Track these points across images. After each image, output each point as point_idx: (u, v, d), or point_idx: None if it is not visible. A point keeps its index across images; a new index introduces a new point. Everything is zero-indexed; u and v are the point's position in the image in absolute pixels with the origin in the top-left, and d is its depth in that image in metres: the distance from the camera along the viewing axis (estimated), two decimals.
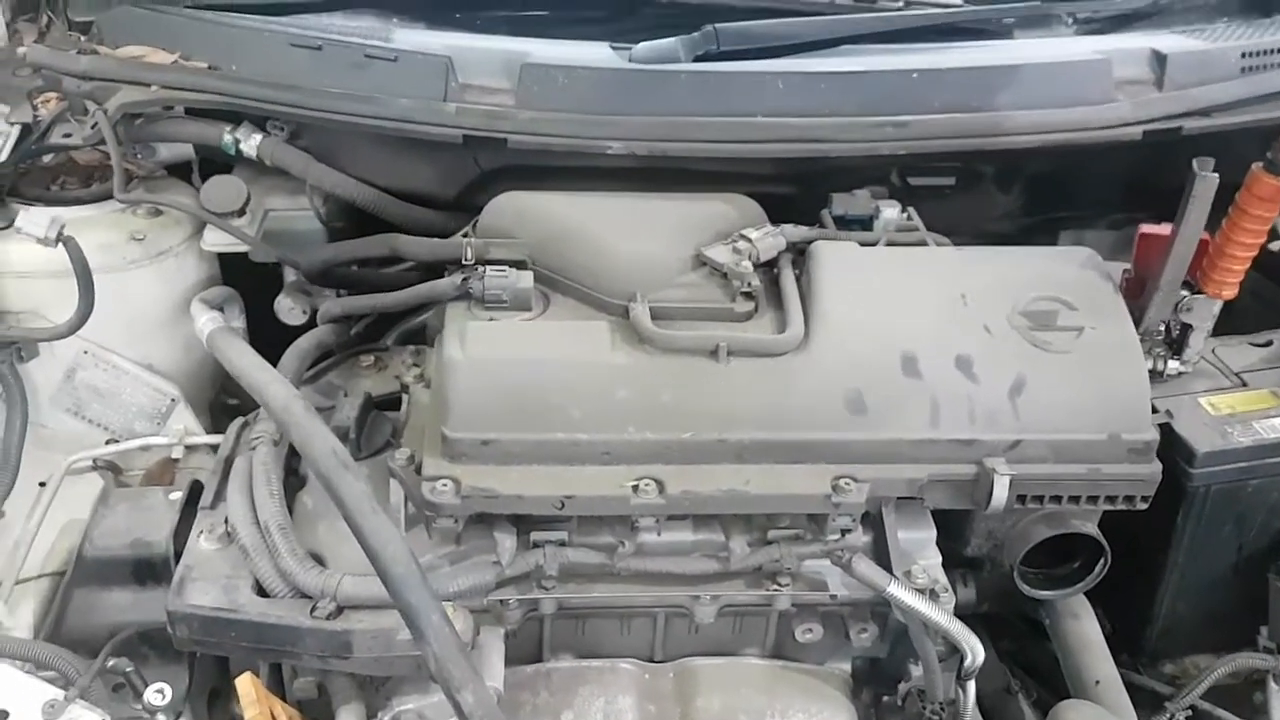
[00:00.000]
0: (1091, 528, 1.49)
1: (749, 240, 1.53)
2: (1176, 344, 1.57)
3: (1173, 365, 1.57)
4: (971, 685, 1.46)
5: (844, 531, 1.43)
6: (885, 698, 1.57)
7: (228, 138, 1.72)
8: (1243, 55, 1.79)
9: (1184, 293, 1.53)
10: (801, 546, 1.44)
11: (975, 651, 1.47)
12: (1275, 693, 1.59)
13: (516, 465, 1.38)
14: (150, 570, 1.49)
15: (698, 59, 1.71)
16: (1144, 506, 1.47)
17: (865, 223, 1.68)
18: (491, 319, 1.47)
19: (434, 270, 1.70)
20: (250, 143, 1.72)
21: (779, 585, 1.47)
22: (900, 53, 1.76)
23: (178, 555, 1.46)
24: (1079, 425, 1.44)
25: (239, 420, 1.63)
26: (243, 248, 1.76)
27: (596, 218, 1.56)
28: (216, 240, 1.75)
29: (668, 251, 1.53)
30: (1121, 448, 1.44)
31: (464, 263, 1.54)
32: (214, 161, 1.80)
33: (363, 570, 1.37)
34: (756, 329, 1.48)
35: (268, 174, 1.78)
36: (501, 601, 1.43)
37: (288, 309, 1.81)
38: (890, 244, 1.61)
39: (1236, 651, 1.69)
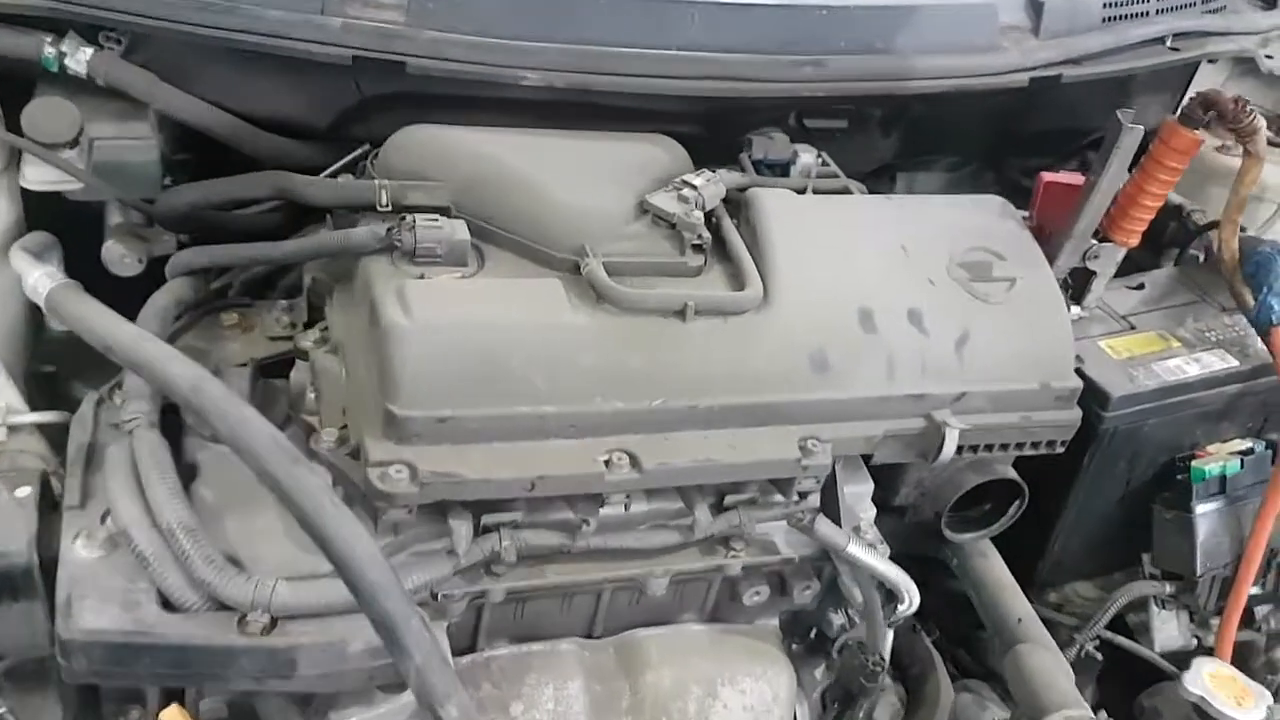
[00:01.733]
0: (1013, 472, 1.53)
1: (694, 187, 1.42)
2: (1077, 290, 1.63)
3: (1074, 311, 1.63)
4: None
5: (804, 494, 1.39)
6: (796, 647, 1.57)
7: (49, 50, 1.40)
8: (1104, 5, 1.86)
9: (1092, 240, 1.58)
10: (761, 511, 1.39)
11: (914, 599, 1.50)
12: (1155, 614, 1.71)
13: (476, 444, 1.23)
14: (7, 587, 1.22)
15: None
16: (1061, 450, 1.52)
17: (784, 167, 1.61)
18: (423, 276, 1.29)
19: (308, 215, 1.49)
20: (78, 57, 1.41)
21: (734, 551, 1.42)
22: None
23: (42, 567, 1.21)
24: (1015, 375, 1.46)
25: (92, 396, 1.36)
26: (67, 185, 1.45)
27: (530, 160, 1.40)
28: (40, 176, 1.44)
29: (611, 200, 1.40)
30: (1050, 395, 1.48)
31: (380, 208, 1.34)
32: (13, 80, 1.47)
33: (288, 573, 1.20)
34: (709, 284, 1.39)
35: (91, 96, 1.46)
36: (446, 595, 1.29)
37: (119, 257, 1.51)
38: (816, 191, 1.55)
39: (1109, 575, 1.82)
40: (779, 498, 1.39)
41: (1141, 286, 1.75)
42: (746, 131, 1.68)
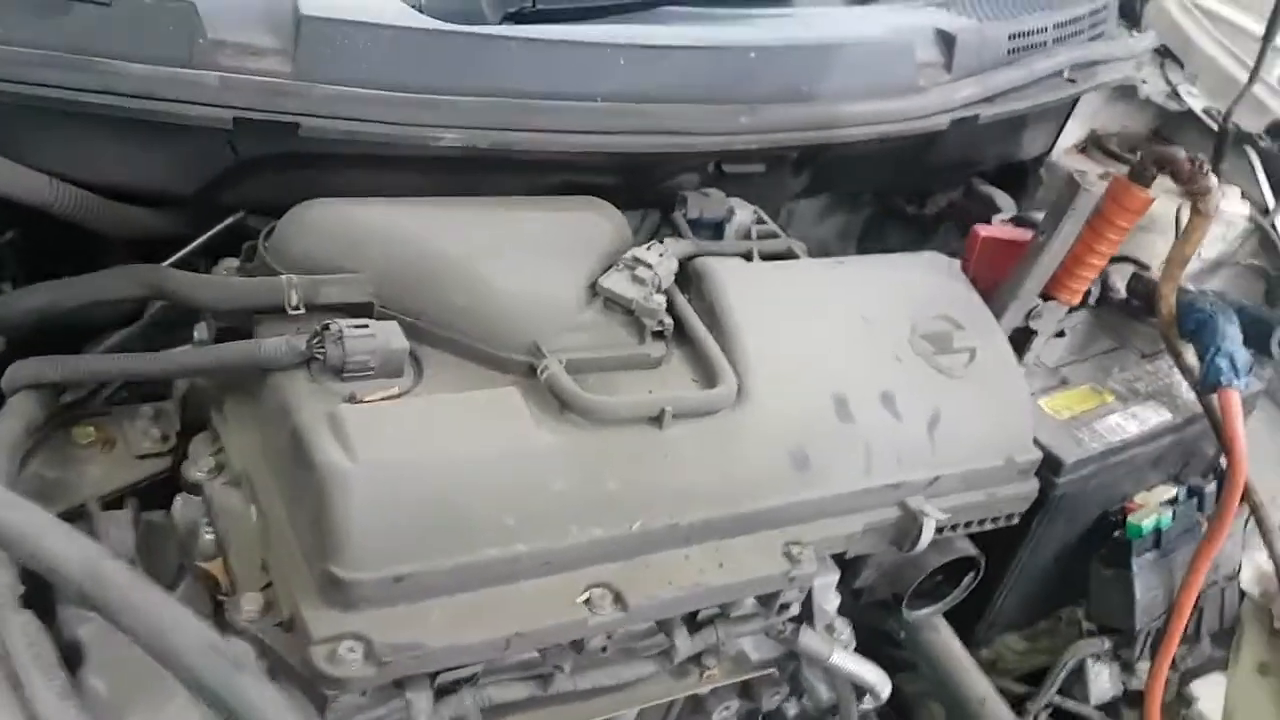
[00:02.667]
0: (973, 547, 1.45)
1: (648, 266, 1.25)
2: (1016, 348, 1.55)
3: None
4: None
5: (785, 605, 1.26)
6: None
7: None
8: (1010, 37, 1.80)
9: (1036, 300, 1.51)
10: (739, 625, 1.25)
11: (885, 694, 1.41)
12: (1091, 668, 1.69)
13: (433, 600, 1.03)
14: None
15: (507, 18, 1.37)
16: (1016, 521, 1.46)
17: (720, 225, 1.47)
18: (354, 395, 1.07)
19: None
20: None
21: (708, 669, 1.28)
22: (722, 21, 1.55)
23: None
24: (982, 453, 1.38)
25: None
26: None
27: (461, 242, 1.19)
28: None
29: (560, 286, 1.22)
30: (1014, 469, 1.41)
31: (291, 310, 1.11)
32: None
33: None
34: (672, 377, 1.23)
35: None
36: None
37: None
38: (762, 256, 1.42)
39: (1034, 625, 1.79)
40: (759, 609, 1.25)
41: (1062, 334, 1.70)
42: (664, 180, 1.55)
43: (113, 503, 1.17)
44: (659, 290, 1.25)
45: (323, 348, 1.05)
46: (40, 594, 1.05)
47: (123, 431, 1.25)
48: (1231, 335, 1.48)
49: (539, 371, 1.13)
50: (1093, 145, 2.16)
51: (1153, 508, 1.63)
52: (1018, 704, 1.60)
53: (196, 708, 1.01)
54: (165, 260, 1.32)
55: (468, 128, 1.27)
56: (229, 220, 1.32)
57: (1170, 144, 2.20)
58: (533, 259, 1.22)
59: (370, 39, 1.24)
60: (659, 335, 1.24)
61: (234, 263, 1.24)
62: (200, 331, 1.21)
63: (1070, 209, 1.40)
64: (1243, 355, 1.47)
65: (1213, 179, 1.40)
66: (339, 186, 1.27)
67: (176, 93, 1.15)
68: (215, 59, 1.18)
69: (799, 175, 1.76)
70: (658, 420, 1.14)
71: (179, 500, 1.15)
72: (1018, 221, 1.75)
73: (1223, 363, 1.46)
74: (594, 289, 1.24)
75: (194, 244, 1.30)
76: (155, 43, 1.16)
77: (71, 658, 1.02)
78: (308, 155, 1.27)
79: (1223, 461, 1.75)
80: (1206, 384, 1.49)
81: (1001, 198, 2.02)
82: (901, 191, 2.02)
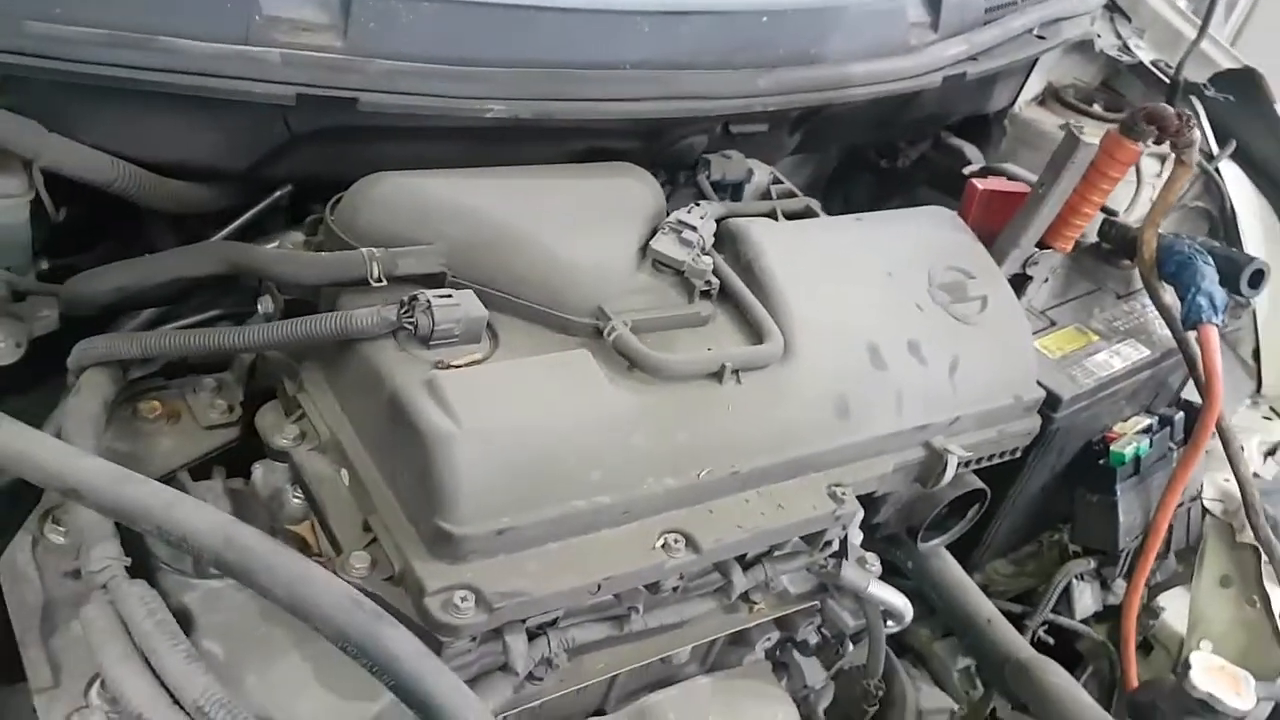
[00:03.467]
0: (979, 480, 1.56)
1: (693, 228, 1.32)
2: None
3: None
4: None
5: (829, 542, 1.35)
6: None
7: None
8: None
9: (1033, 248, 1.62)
10: (786, 563, 1.34)
11: (908, 618, 1.51)
12: (1075, 586, 1.82)
13: (530, 550, 1.10)
14: None
15: None
16: (1018, 455, 1.57)
17: (738, 186, 1.54)
18: (443, 363, 1.12)
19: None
20: None
21: (756, 605, 1.37)
22: None
23: None
24: (995, 393, 1.48)
25: (25, 536, 1.10)
26: None
27: (524, 213, 1.24)
28: None
29: (617, 251, 1.27)
30: (1020, 407, 1.52)
31: (373, 283, 1.15)
32: None
33: None
34: (721, 334, 1.30)
35: None
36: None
37: None
38: (785, 215, 1.49)
39: (1018, 550, 1.92)
40: (803, 547, 1.34)
41: (1046, 280, 1.81)
42: (677, 142, 1.60)
43: (194, 473, 1.21)
44: (704, 251, 1.32)
45: (412, 317, 1.10)
46: (139, 564, 1.09)
47: (187, 404, 1.28)
48: (1210, 275, 1.60)
49: (605, 333, 1.20)
50: (1050, 97, 2.27)
51: (1131, 436, 1.76)
52: (1015, 622, 1.72)
53: (305, 665, 1.08)
54: (207, 235, 1.35)
55: (513, 98, 1.31)
56: (277, 194, 1.35)
57: (1120, 95, 2.33)
58: (591, 227, 1.27)
59: (416, 12, 1.28)
60: (705, 295, 1.31)
61: (299, 236, 1.27)
62: (265, 304, 1.24)
63: (1070, 161, 1.50)
64: (1220, 294, 1.60)
65: (1196, 133, 1.51)
66: (382, 157, 1.30)
67: (239, 70, 1.17)
68: (271, 35, 1.21)
69: (795, 134, 1.84)
70: (718, 375, 1.22)
71: (260, 467, 1.19)
72: (987, 172, 1.85)
73: (1203, 301, 1.58)
74: (644, 252, 1.30)
75: (245, 217, 1.33)
76: (213, 20, 1.18)
77: (180, 623, 1.06)
78: (358, 129, 1.30)
79: (1186, 393, 1.91)
80: (1189, 321, 1.61)
81: (970, 150, 2.12)
82: (876, 146, 2.11)
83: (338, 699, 1.06)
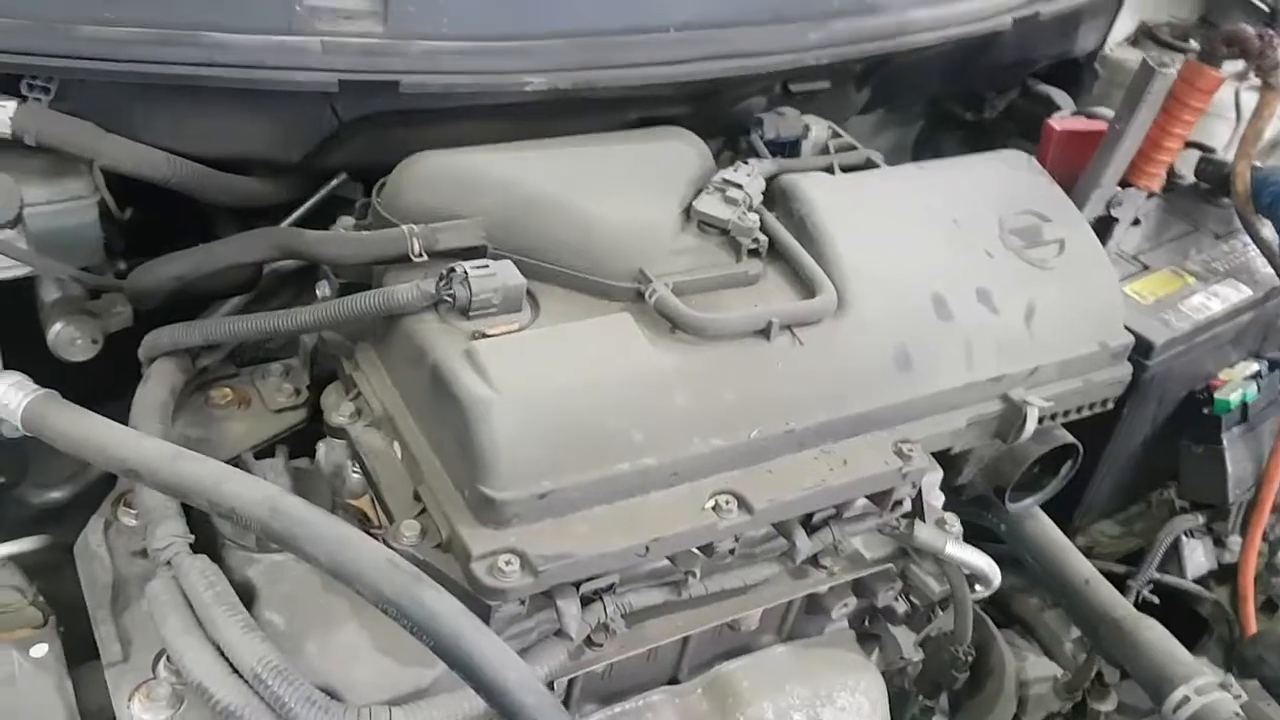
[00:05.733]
0: (1070, 435, 1.49)
1: (738, 186, 1.30)
2: (1099, 237, 1.58)
3: None
4: None
5: (899, 502, 1.31)
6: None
7: None
8: None
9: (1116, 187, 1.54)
10: (855, 524, 1.31)
11: (996, 582, 1.45)
12: (1185, 544, 1.73)
13: (577, 513, 1.09)
14: None
15: None
16: (1110, 406, 1.50)
17: (795, 144, 1.50)
18: (480, 333, 1.13)
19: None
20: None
21: (827, 569, 1.34)
22: None
23: None
24: (1078, 341, 1.41)
25: (97, 521, 1.15)
26: (7, 271, 1.21)
27: (562, 181, 1.24)
28: None
29: (657, 213, 1.26)
30: (1107, 355, 1.45)
31: (414, 258, 1.16)
32: None
33: (391, 694, 1.05)
34: (772, 291, 1.28)
35: (2, 154, 1.21)
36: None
37: (69, 341, 1.29)
38: (843, 168, 1.45)
39: (1126, 510, 1.84)
40: (872, 508, 1.30)
41: (1138, 222, 1.72)
42: (734, 105, 1.58)
43: (261, 453, 1.25)
44: (750, 209, 1.29)
45: (450, 290, 1.11)
46: (206, 542, 1.13)
47: (256, 390, 1.33)
48: None
49: (647, 296, 1.19)
50: (1144, 36, 2.16)
51: (1237, 382, 1.66)
52: (1119, 583, 1.64)
53: (363, 633, 1.10)
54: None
55: (551, 70, 1.31)
56: (334, 182, 1.38)
57: (1218, 29, 2.20)
58: (629, 190, 1.26)
59: None
60: (754, 253, 1.28)
61: (350, 220, 1.30)
62: (323, 288, 1.28)
63: (1145, 94, 1.42)
64: None
65: None
66: (430, 140, 1.31)
67: (282, 60, 1.21)
68: (313, 24, 1.23)
69: (862, 89, 1.79)
70: (765, 333, 1.19)
71: (322, 445, 1.23)
72: (1084, 117, 1.77)
73: None
74: (689, 213, 1.28)
75: (306, 206, 1.37)
76: (256, 13, 1.21)
77: (243, 596, 1.10)
78: (403, 112, 1.32)
79: None
80: None
81: (1059, 96, 2.03)
82: (958, 98, 2.04)
83: (395, 665, 1.08)
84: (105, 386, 1.27)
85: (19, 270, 1.21)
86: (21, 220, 1.19)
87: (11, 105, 1.16)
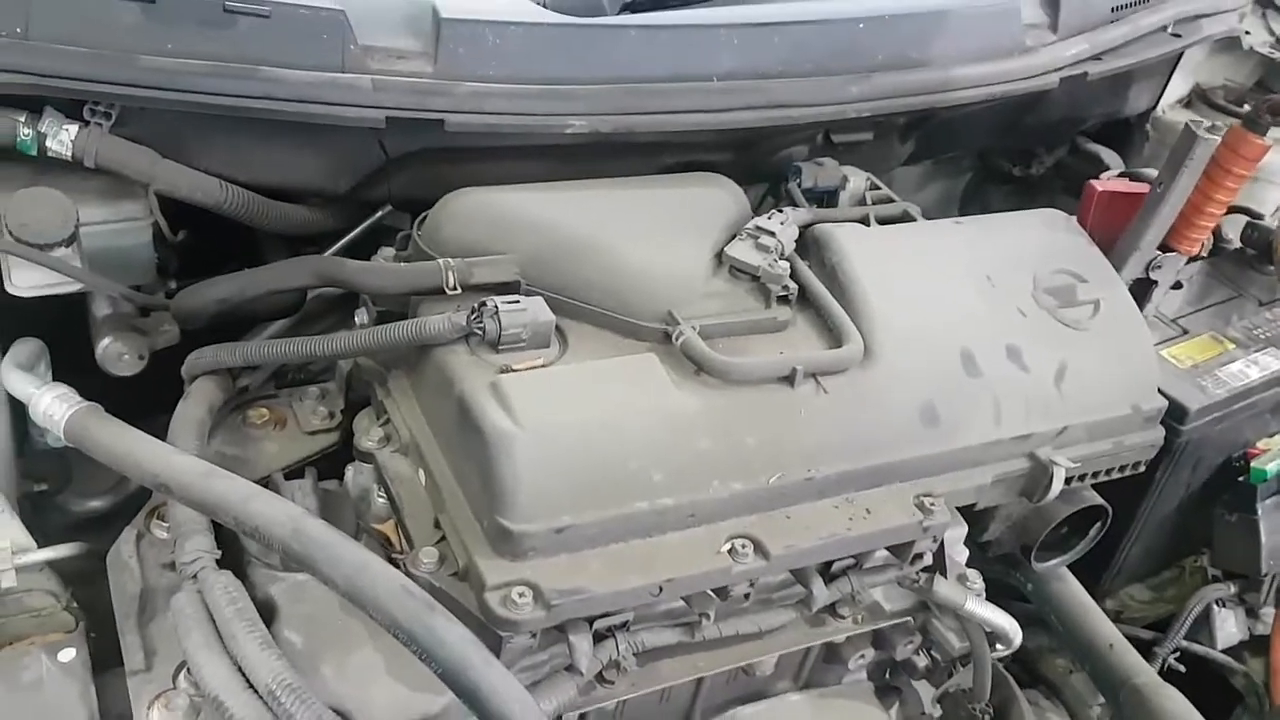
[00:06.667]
0: (1099, 497, 1.48)
1: (772, 234, 1.32)
2: (1137, 300, 1.58)
3: None
4: None
5: (919, 555, 1.31)
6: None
7: (25, 132, 1.20)
8: None
9: (1155, 251, 1.53)
10: (873, 575, 1.31)
11: (1017, 642, 1.44)
12: (1217, 614, 1.70)
13: (593, 549, 1.11)
14: None
15: (625, 8, 1.44)
16: (1142, 470, 1.48)
17: (833, 194, 1.52)
18: (508, 367, 1.15)
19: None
20: (61, 138, 1.21)
21: (843, 618, 1.34)
22: None
23: None
24: (1109, 403, 1.40)
25: (129, 532, 1.19)
26: (62, 286, 1.26)
27: (596, 222, 1.27)
28: (30, 281, 1.23)
29: (689, 257, 1.28)
30: (1140, 418, 1.43)
31: (449, 291, 1.20)
32: None
33: (404, 718, 1.07)
34: (800, 339, 1.29)
35: (62, 174, 1.27)
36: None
37: (117, 356, 1.33)
38: (879, 220, 1.46)
39: (1158, 575, 1.81)
40: (892, 559, 1.30)
41: (1179, 285, 1.71)
42: (775, 153, 1.60)
43: (292, 473, 1.28)
44: (782, 257, 1.31)
45: (481, 323, 1.14)
46: (233, 558, 1.16)
47: (292, 411, 1.36)
48: None
49: (674, 338, 1.20)
50: (1198, 99, 2.15)
51: (1276, 452, 1.64)
52: (1145, 649, 1.62)
53: (378, 656, 1.12)
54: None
55: (592, 114, 1.34)
56: (379, 214, 1.42)
57: (1275, 94, 2.18)
58: (662, 234, 1.29)
59: (503, 36, 1.33)
60: (784, 300, 1.30)
61: (390, 251, 1.34)
62: (361, 316, 1.31)
63: (1188, 159, 1.42)
64: None
65: None
66: (474, 177, 1.35)
67: (333, 96, 1.25)
68: (365, 63, 1.28)
69: (906, 141, 1.80)
70: (789, 379, 1.21)
71: (351, 469, 1.26)
72: (1130, 178, 1.76)
73: None
74: (720, 258, 1.30)
75: (351, 235, 1.41)
76: (311, 50, 1.26)
77: (265, 614, 1.12)
78: (448, 149, 1.36)
79: None
80: None
81: (1109, 155, 2.03)
82: (1006, 153, 2.04)
83: (407, 690, 1.09)
84: (149, 401, 1.32)
85: (71, 286, 1.25)
86: (77, 238, 1.24)
87: (74, 129, 1.22)
